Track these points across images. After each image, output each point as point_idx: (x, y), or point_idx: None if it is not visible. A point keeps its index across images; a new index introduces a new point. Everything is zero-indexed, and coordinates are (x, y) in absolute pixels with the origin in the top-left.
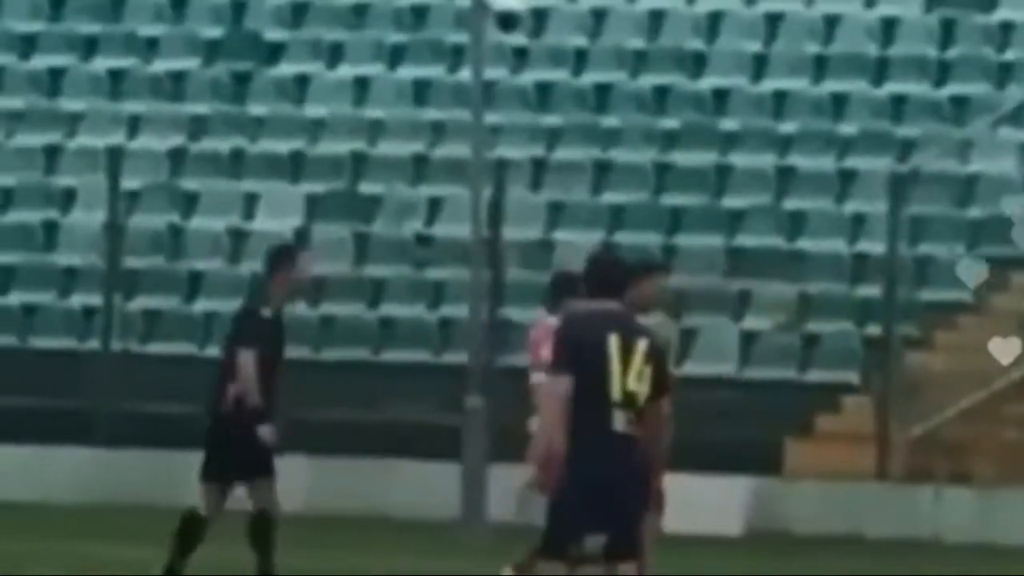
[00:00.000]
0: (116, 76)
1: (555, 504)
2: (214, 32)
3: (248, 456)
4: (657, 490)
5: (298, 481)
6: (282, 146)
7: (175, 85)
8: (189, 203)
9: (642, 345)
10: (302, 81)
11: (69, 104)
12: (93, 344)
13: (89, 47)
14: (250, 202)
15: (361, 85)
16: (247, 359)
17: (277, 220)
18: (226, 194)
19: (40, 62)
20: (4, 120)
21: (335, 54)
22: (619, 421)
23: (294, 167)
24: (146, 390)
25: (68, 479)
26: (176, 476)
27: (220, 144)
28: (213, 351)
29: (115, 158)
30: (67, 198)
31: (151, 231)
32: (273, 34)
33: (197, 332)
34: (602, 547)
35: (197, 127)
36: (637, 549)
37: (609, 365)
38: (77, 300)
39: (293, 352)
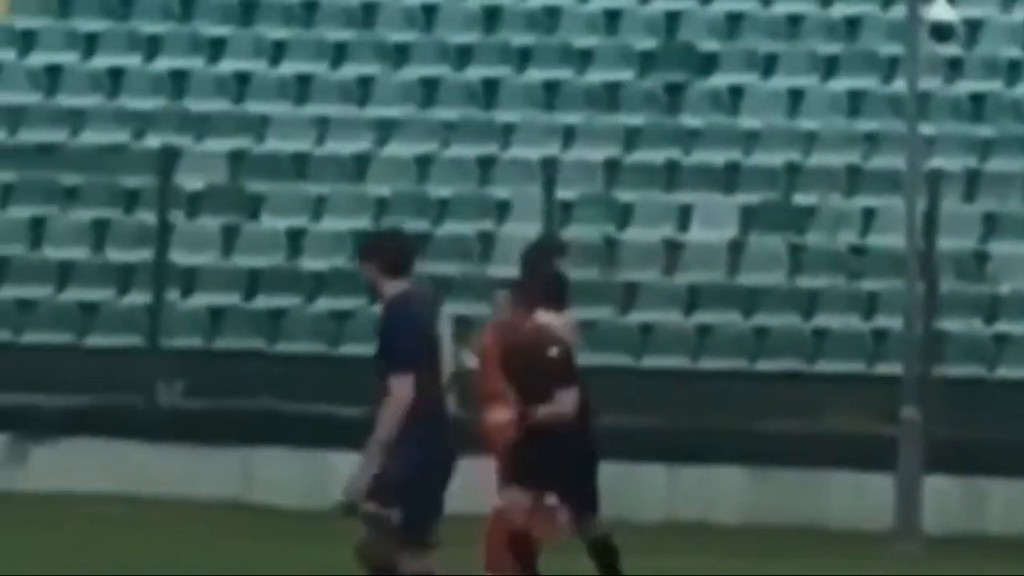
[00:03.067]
0: (550, 87)
1: (408, 495)
2: (649, 43)
3: None
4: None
5: (736, 492)
6: (717, 157)
7: (610, 96)
8: (624, 214)
9: (448, 322)
10: (736, 92)
11: (504, 115)
12: None
13: (523, 58)
14: (684, 213)
15: (795, 96)
16: None
17: (711, 231)
18: (660, 205)
19: (475, 73)
20: (439, 131)
21: (769, 65)
22: (449, 403)
23: (728, 178)
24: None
25: None
26: (613, 486)
27: (655, 155)
28: (652, 361)
29: (550, 169)
30: (502, 209)
31: (586, 242)
32: (708, 45)
33: (633, 343)
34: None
35: (632, 138)
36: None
37: (442, 353)
38: None
39: (729, 364)
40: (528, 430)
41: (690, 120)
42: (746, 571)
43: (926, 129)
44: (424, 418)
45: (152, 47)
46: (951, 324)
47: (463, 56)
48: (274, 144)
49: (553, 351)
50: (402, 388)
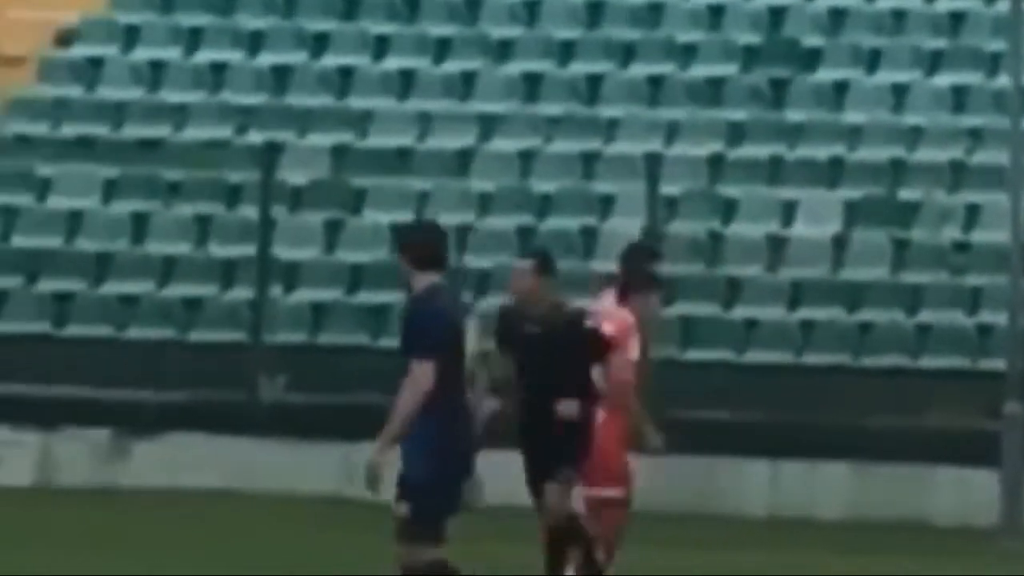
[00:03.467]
0: (653, 82)
1: (420, 491)
2: (752, 38)
3: None
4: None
5: (839, 487)
6: (820, 152)
7: (713, 91)
8: (728, 209)
9: (473, 318)
10: (840, 87)
11: (607, 110)
12: None
13: (627, 53)
14: (788, 209)
15: (899, 91)
16: None
17: (815, 227)
18: (764, 200)
19: (578, 68)
20: (543, 126)
21: (873, 60)
22: (466, 398)
23: (832, 174)
24: (684, 397)
25: None
26: (716, 481)
27: (758, 151)
28: (755, 356)
29: (653, 164)
30: (605, 205)
31: (690, 237)
32: (811, 40)
33: (737, 338)
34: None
35: (735, 133)
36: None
37: (463, 347)
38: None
39: (833, 359)
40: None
41: (794, 115)
42: (849, 567)
43: None
44: (445, 414)
45: (255, 42)
46: None
47: (566, 51)
48: (377, 139)
49: (589, 321)
50: (424, 372)
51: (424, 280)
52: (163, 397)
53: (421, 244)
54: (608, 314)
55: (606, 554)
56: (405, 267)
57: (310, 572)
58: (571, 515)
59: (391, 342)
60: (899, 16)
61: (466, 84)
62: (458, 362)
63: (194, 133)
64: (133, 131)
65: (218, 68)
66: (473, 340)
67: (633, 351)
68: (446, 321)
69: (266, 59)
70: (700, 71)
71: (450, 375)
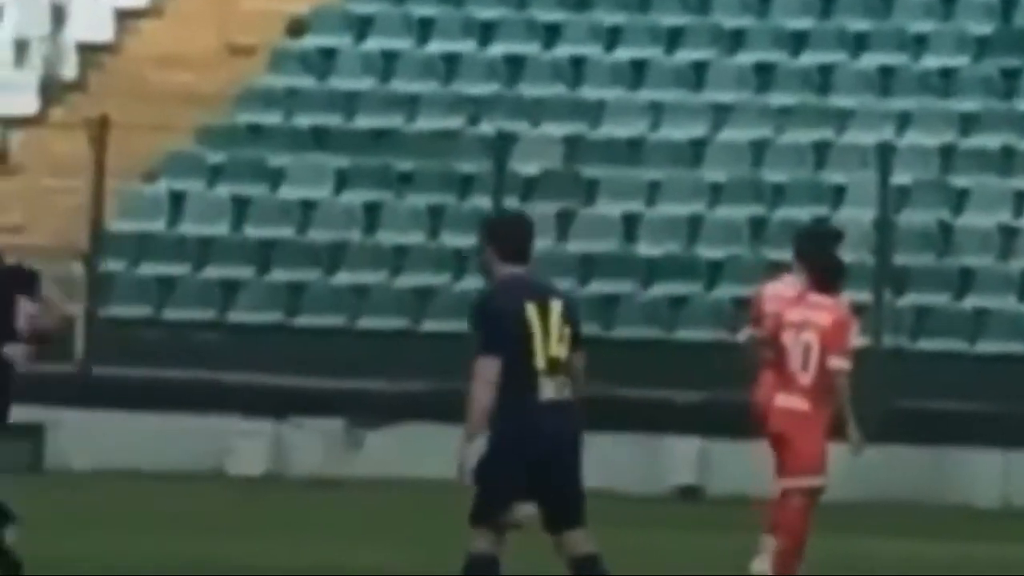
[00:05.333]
0: (885, 72)
1: (482, 477)
2: (984, 28)
3: None
4: None
5: None
6: None
7: (944, 81)
8: (959, 199)
9: (557, 306)
10: None
11: (839, 100)
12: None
13: (859, 44)
14: (1020, 198)
15: None
16: None
17: None
18: (996, 190)
19: (810, 58)
20: (775, 116)
21: None
22: (547, 389)
23: None
24: (916, 387)
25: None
26: (948, 472)
27: (990, 140)
28: (987, 346)
29: (885, 154)
30: (837, 194)
31: (921, 228)
32: None
33: (968, 328)
34: (534, 516)
35: (967, 123)
36: (582, 516)
37: (532, 338)
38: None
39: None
40: None
41: None
42: None
43: None
44: (513, 405)
45: (486, 32)
46: None
47: (798, 41)
48: (609, 129)
49: None
50: (486, 367)
51: (505, 271)
52: (396, 387)
53: (501, 236)
54: (824, 304)
55: (796, 547)
56: (489, 257)
57: (542, 572)
58: None
59: (623, 332)
60: None
61: (698, 74)
62: (526, 354)
63: (426, 123)
64: (365, 121)
65: (450, 58)
66: (538, 328)
67: (855, 338)
68: (510, 316)
69: (498, 49)
70: (932, 61)
71: (518, 368)
